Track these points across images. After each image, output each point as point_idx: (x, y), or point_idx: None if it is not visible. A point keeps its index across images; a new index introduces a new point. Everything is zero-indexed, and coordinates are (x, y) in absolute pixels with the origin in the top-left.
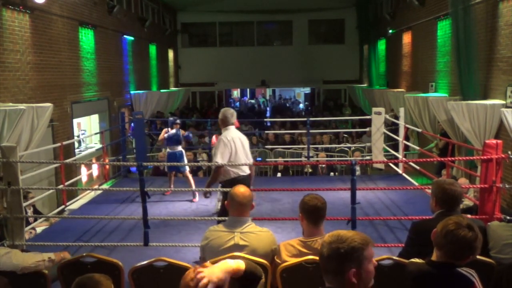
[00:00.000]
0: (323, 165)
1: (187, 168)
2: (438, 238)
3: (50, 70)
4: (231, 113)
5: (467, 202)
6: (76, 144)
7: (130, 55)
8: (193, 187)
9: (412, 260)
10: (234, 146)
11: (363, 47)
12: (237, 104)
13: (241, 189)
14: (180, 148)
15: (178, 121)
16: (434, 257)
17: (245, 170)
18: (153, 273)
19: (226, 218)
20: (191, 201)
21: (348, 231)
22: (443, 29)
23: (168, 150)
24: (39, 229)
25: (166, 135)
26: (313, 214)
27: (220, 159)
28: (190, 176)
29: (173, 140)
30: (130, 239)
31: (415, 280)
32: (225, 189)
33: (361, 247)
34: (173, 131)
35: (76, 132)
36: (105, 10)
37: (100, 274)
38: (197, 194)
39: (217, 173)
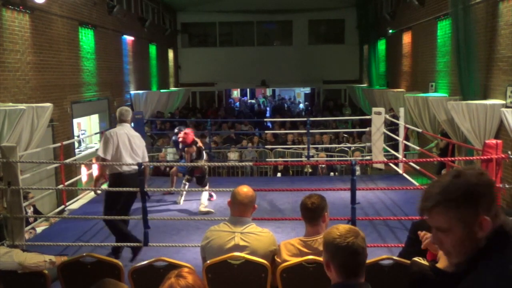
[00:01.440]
0: (323, 165)
1: None
2: None
3: (50, 70)
4: (122, 112)
5: None
6: (76, 144)
7: (130, 55)
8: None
9: (416, 259)
10: (116, 141)
11: (363, 47)
12: (237, 104)
13: (244, 189)
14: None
15: (182, 128)
16: (441, 265)
17: (130, 167)
18: (153, 273)
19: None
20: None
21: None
22: (443, 29)
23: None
24: (39, 229)
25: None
26: (305, 214)
27: (101, 152)
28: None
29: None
30: None
31: (415, 283)
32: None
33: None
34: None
35: (76, 132)
36: (105, 10)
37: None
38: (213, 193)
39: (99, 166)
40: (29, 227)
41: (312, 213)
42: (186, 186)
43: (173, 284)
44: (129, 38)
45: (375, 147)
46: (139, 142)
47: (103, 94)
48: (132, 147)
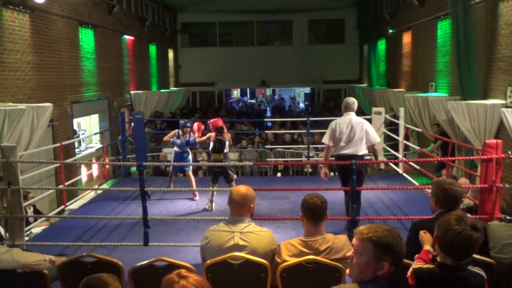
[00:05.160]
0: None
1: (190, 168)
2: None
3: (50, 70)
4: (350, 102)
5: (467, 202)
6: (76, 144)
7: (130, 55)
8: (194, 186)
9: (420, 266)
10: (338, 129)
11: (363, 47)
12: (241, 104)
13: (241, 188)
14: (188, 149)
15: (188, 124)
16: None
17: (343, 151)
18: (153, 273)
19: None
20: (191, 199)
21: None
22: (443, 29)
23: (175, 149)
24: (39, 229)
25: (172, 139)
26: (313, 212)
27: (324, 139)
28: (192, 176)
29: (183, 143)
30: (130, 239)
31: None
32: (215, 189)
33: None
34: (186, 136)
35: (76, 132)
36: (105, 10)
37: (108, 274)
38: (197, 193)
39: (325, 151)
40: (26, 229)
41: (320, 211)
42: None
43: (174, 283)
44: (129, 38)
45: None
46: (359, 127)
47: (103, 94)
48: (351, 132)
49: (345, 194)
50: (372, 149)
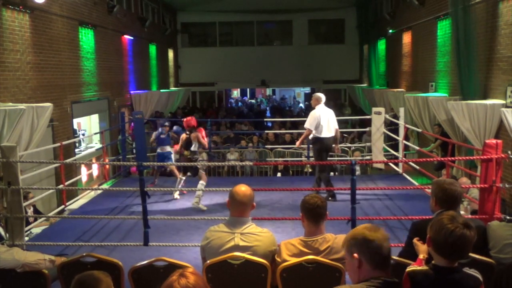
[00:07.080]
0: None
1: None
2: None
3: (50, 70)
4: (321, 96)
5: (473, 205)
6: (76, 144)
7: (130, 55)
8: (179, 177)
9: (413, 268)
10: (321, 118)
11: (363, 47)
12: (240, 104)
13: (242, 188)
14: (168, 148)
15: (166, 123)
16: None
17: (326, 134)
18: (153, 273)
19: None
20: (178, 194)
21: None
22: (443, 29)
23: (158, 150)
24: (39, 229)
25: (155, 137)
26: (313, 213)
27: (308, 125)
28: (175, 169)
29: (163, 142)
30: (130, 239)
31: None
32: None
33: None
34: (164, 135)
35: (76, 132)
36: (105, 10)
37: (99, 271)
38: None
39: (305, 133)
40: (26, 229)
41: (320, 211)
42: (182, 181)
43: (173, 282)
44: (129, 38)
45: (375, 147)
46: (332, 116)
47: (103, 94)
48: (329, 120)
49: (321, 171)
50: (336, 132)
